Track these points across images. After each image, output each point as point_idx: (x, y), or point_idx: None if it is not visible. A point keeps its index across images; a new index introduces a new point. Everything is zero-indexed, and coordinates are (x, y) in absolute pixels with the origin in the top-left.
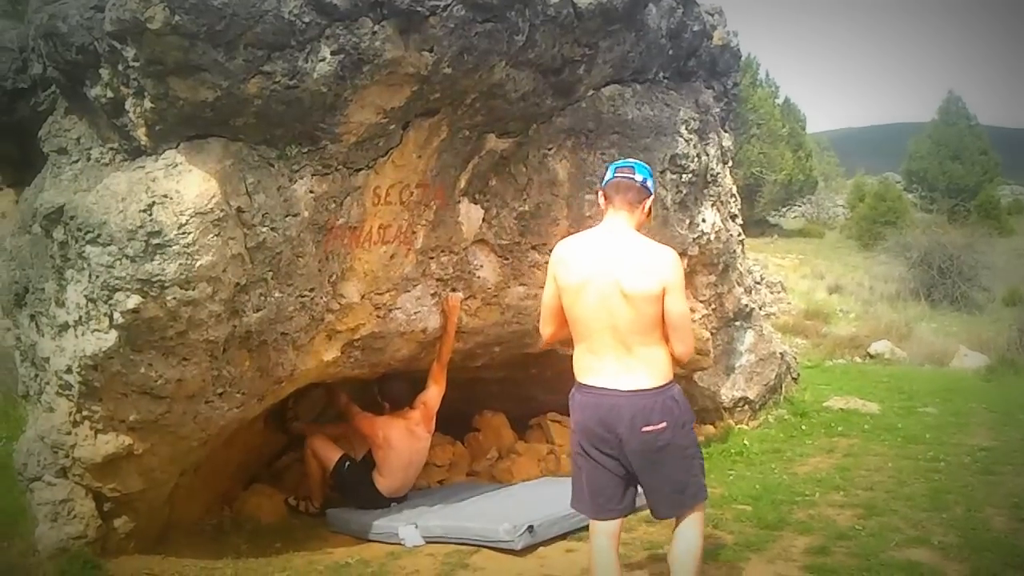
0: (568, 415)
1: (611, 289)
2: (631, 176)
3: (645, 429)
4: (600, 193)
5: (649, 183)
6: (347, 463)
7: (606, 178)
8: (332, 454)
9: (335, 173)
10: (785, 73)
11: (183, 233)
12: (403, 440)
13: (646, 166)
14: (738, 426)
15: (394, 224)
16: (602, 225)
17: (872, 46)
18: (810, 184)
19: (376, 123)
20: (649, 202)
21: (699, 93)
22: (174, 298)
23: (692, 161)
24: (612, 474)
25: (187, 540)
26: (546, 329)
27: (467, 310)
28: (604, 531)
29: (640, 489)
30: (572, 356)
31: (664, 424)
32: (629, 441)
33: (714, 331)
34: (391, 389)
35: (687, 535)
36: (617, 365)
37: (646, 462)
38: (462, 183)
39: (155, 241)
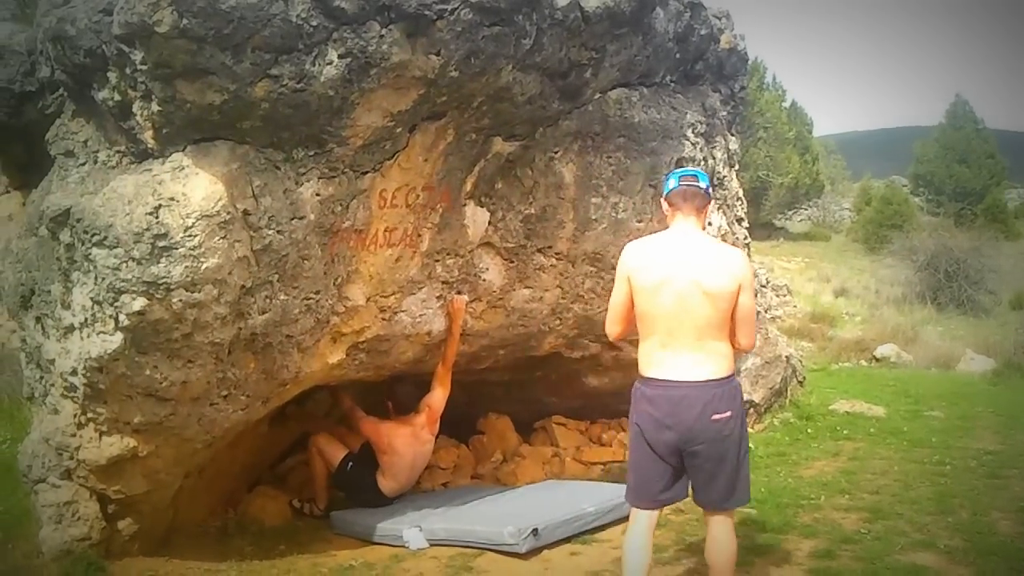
0: (572, 417)
1: (691, 288)
2: (696, 184)
3: (715, 417)
4: (664, 200)
5: (710, 190)
6: (350, 463)
7: (670, 186)
8: (337, 452)
9: (341, 176)
10: (792, 76)
11: (189, 236)
12: (408, 445)
13: (705, 173)
14: None
15: (400, 227)
16: (672, 229)
17: (879, 50)
18: (816, 187)
19: (383, 126)
20: (710, 207)
21: (706, 97)
22: (180, 300)
23: (698, 164)
24: (668, 466)
25: (191, 542)
26: (615, 328)
27: (472, 313)
28: (646, 518)
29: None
30: (632, 353)
31: (730, 413)
32: (699, 431)
33: None
34: (399, 392)
35: (724, 537)
36: (690, 358)
37: (711, 452)
38: (468, 186)
39: (161, 244)
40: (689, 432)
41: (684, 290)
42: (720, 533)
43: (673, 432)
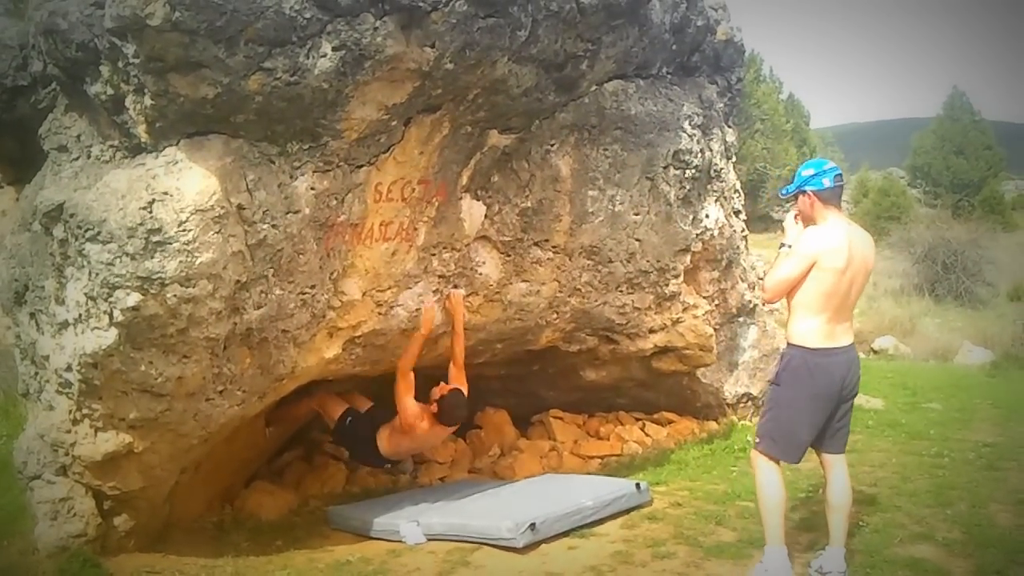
0: (570, 411)
1: (861, 269)
2: (843, 183)
3: (859, 373)
4: (813, 196)
5: None
6: (349, 418)
7: (826, 185)
8: (337, 407)
9: (336, 170)
10: (789, 68)
11: (183, 230)
12: (424, 437)
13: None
14: (741, 422)
15: (396, 221)
16: (837, 220)
17: (876, 41)
18: None
19: (378, 119)
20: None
21: (702, 88)
22: (174, 295)
23: (695, 157)
24: (819, 424)
25: (187, 538)
26: (780, 296)
27: (469, 307)
28: (779, 467)
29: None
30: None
31: (859, 367)
32: (853, 385)
33: (717, 327)
34: (448, 402)
35: (844, 476)
36: (845, 328)
37: (849, 403)
38: (464, 179)
39: (155, 238)
40: (848, 387)
41: (857, 272)
42: (844, 472)
43: (840, 390)
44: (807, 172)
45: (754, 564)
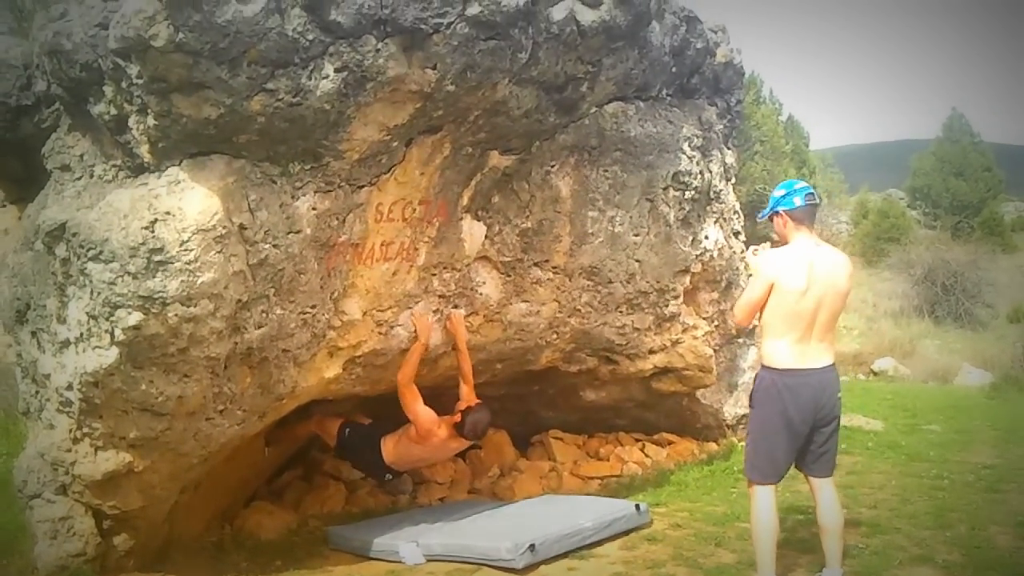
0: (570, 431)
1: (829, 290)
2: (815, 201)
3: (838, 395)
4: (786, 215)
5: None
6: (348, 429)
7: (797, 204)
8: (333, 424)
9: (338, 190)
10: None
11: (185, 250)
12: (437, 447)
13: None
14: (741, 443)
15: (396, 241)
16: (803, 240)
17: (876, 63)
18: None
19: (379, 140)
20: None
21: (702, 110)
22: (175, 315)
23: (695, 178)
24: (795, 445)
25: (187, 558)
26: (746, 320)
27: (469, 327)
28: (772, 492)
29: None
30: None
31: (840, 392)
32: (830, 408)
33: (717, 348)
34: (472, 420)
35: (837, 499)
36: (819, 348)
37: (830, 426)
38: (465, 200)
39: (157, 258)
40: (824, 409)
41: (824, 291)
42: (833, 495)
43: (814, 412)
44: (779, 193)
45: None
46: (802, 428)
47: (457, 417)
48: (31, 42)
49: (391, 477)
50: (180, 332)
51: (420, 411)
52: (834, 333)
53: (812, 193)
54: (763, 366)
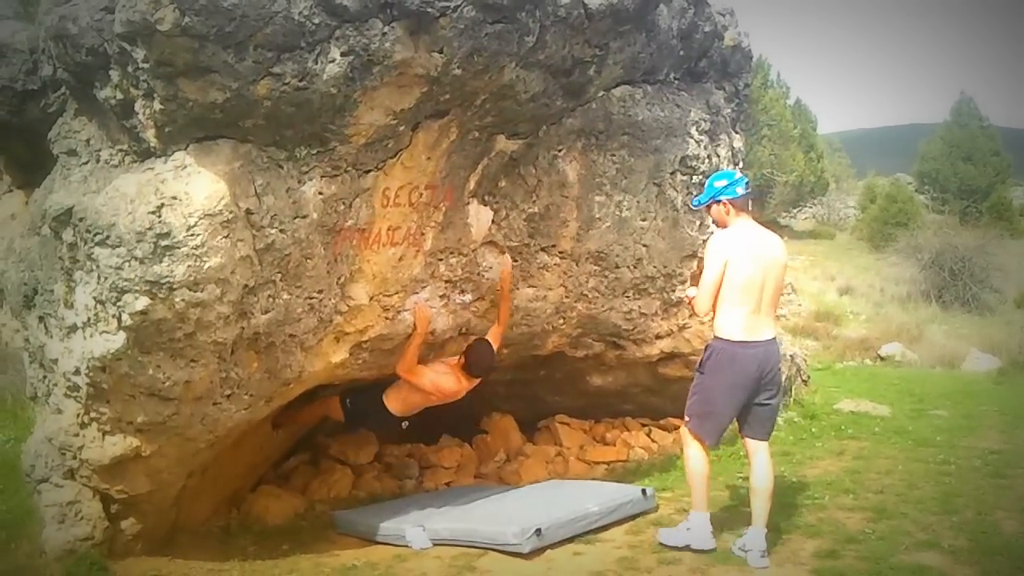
0: (576, 416)
1: (772, 266)
2: (751, 191)
3: (780, 366)
4: (728, 204)
5: None
6: (347, 399)
7: (740, 193)
8: (333, 402)
9: (344, 175)
10: (796, 74)
11: (192, 235)
12: (449, 392)
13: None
14: None
15: (403, 226)
16: (745, 223)
17: (884, 47)
18: (821, 185)
19: (385, 124)
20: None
21: (710, 94)
22: (182, 300)
23: (703, 162)
24: (735, 412)
25: (194, 542)
26: (708, 305)
27: (475, 312)
28: (706, 454)
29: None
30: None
31: (780, 362)
32: (771, 377)
33: None
34: (475, 351)
35: (767, 462)
36: (766, 322)
37: (772, 392)
38: (471, 184)
39: (164, 243)
40: (766, 378)
41: (769, 267)
42: (767, 459)
43: (757, 380)
44: (720, 183)
45: (760, 571)
46: (744, 396)
47: (462, 360)
48: (37, 27)
49: (407, 424)
50: (187, 317)
51: (431, 383)
52: (776, 308)
53: (749, 182)
54: (717, 337)
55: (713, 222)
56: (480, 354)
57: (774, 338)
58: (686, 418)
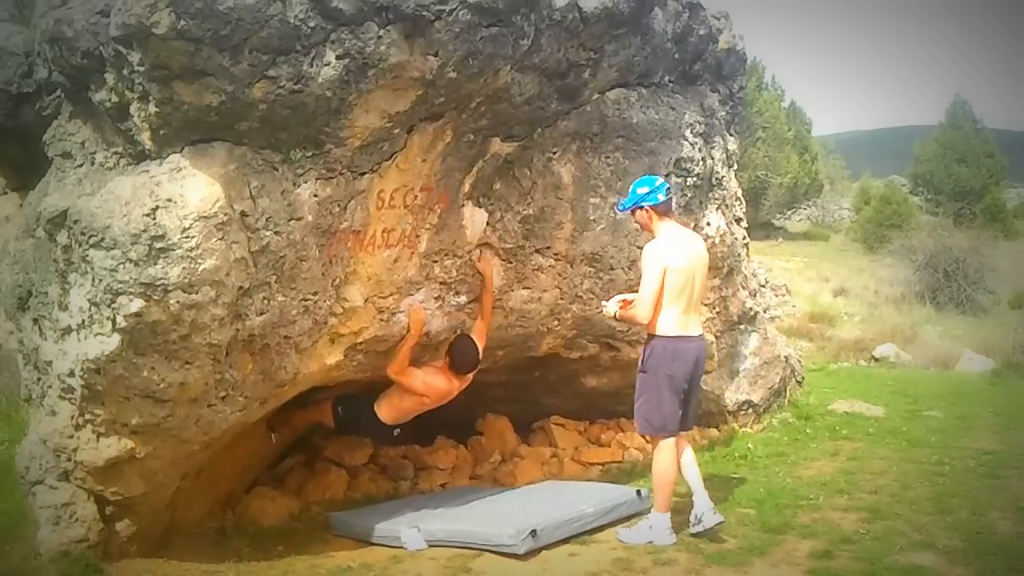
0: (571, 417)
1: (699, 266)
2: (671, 196)
3: (705, 360)
4: (651, 210)
5: None
6: (339, 406)
7: (661, 199)
8: (324, 407)
9: (339, 177)
10: (791, 76)
11: (187, 237)
12: (439, 392)
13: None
14: (742, 429)
15: (398, 228)
16: (671, 227)
17: (878, 49)
18: (815, 187)
19: (381, 127)
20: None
21: (704, 97)
22: (177, 302)
23: (697, 164)
24: (679, 401)
25: (189, 543)
26: (651, 312)
27: (470, 314)
28: (672, 444)
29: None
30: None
31: (706, 356)
32: (699, 369)
33: (718, 334)
34: (458, 347)
35: (689, 449)
36: (696, 319)
37: (696, 386)
38: (466, 187)
39: (159, 245)
40: (697, 370)
41: (698, 269)
42: (688, 447)
43: (692, 372)
44: (643, 190)
45: (754, 572)
46: (681, 386)
47: (447, 360)
48: (32, 29)
49: (399, 431)
50: (182, 319)
51: (423, 384)
52: (702, 304)
53: (670, 188)
54: (655, 336)
55: (637, 225)
56: (463, 349)
57: (702, 334)
58: (637, 424)
